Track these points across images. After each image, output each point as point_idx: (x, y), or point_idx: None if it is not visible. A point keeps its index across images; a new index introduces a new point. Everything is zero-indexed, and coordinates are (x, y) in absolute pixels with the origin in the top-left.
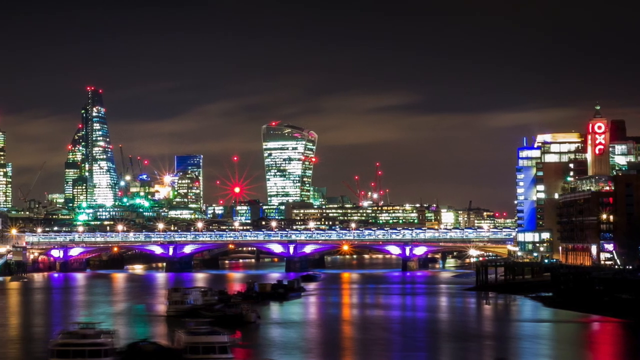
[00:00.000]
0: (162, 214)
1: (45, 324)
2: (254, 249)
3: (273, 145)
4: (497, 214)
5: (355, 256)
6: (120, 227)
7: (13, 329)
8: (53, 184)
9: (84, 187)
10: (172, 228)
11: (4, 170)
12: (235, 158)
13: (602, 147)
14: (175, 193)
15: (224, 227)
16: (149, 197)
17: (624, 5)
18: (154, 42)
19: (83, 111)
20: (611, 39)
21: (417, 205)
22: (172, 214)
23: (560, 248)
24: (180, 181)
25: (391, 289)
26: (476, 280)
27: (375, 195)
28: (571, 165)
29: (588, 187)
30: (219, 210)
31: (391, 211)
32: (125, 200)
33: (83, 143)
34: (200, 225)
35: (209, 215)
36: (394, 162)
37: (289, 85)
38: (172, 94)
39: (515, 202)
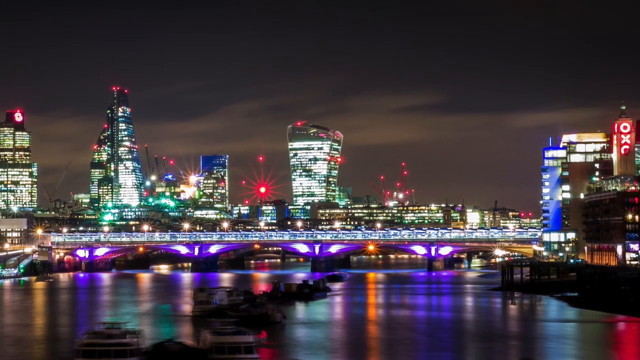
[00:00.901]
0: (188, 214)
1: (70, 324)
2: (280, 249)
3: (299, 145)
4: (522, 214)
5: (380, 256)
6: (145, 227)
7: (39, 328)
8: (78, 184)
9: (109, 187)
10: (198, 228)
11: (30, 170)
12: (261, 158)
13: (627, 147)
14: (201, 193)
15: (249, 227)
16: (175, 197)
17: None
18: (180, 42)
19: (108, 111)
20: (637, 39)
21: (443, 205)
22: (198, 214)
23: (585, 248)
24: (205, 181)
25: (417, 289)
26: (502, 280)
27: (400, 195)
28: (597, 165)
29: (613, 187)
30: (244, 210)
31: (417, 211)
32: (150, 200)
33: (108, 143)
34: (225, 225)
35: (234, 215)
36: (420, 162)
37: (315, 85)
38: (198, 93)
39: (541, 202)
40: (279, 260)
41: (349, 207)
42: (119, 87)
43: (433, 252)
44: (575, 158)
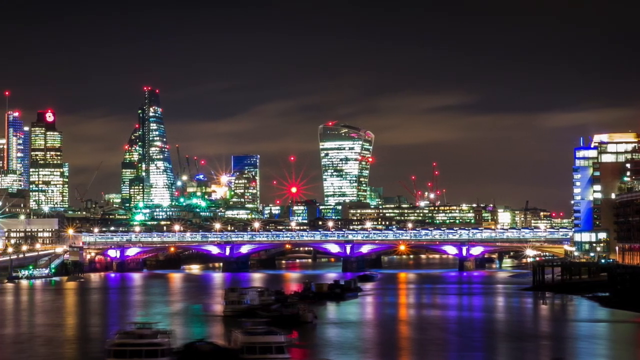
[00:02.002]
0: (219, 214)
1: (102, 324)
2: (311, 249)
3: (330, 145)
4: (553, 214)
5: (412, 256)
6: (177, 227)
7: (70, 328)
8: (110, 184)
9: (140, 187)
10: (229, 228)
11: (61, 170)
12: (292, 158)
13: None
14: (232, 193)
15: (280, 227)
16: (206, 197)
17: None
18: (211, 42)
19: (140, 111)
20: None
21: (474, 205)
22: (229, 214)
23: (617, 248)
24: (237, 181)
25: (448, 289)
26: (533, 280)
27: (432, 195)
28: (628, 165)
29: None
30: (275, 210)
31: (448, 211)
32: (182, 200)
33: (140, 143)
34: (257, 225)
35: (265, 215)
36: (451, 162)
37: (346, 85)
38: (229, 93)
39: (572, 202)
40: (310, 260)
41: (380, 207)
42: (150, 87)
43: (464, 252)
44: (606, 158)
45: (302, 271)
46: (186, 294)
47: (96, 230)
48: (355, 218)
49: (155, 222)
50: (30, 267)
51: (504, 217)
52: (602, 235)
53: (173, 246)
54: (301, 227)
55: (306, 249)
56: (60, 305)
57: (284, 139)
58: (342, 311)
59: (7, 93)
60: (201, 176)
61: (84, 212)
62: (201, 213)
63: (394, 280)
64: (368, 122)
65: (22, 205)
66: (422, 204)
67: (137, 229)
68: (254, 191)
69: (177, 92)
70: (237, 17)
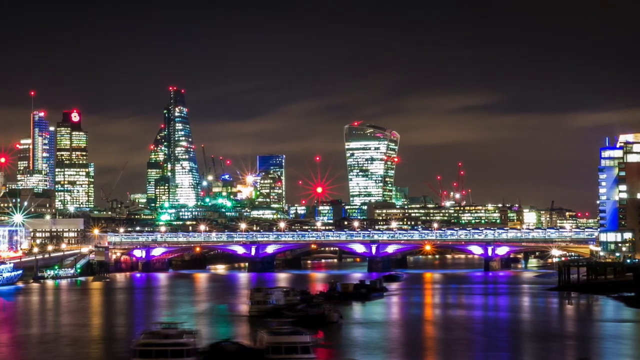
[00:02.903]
0: (245, 214)
1: (127, 324)
2: (337, 249)
3: (355, 145)
4: (579, 214)
5: (437, 256)
6: (202, 227)
7: (96, 329)
8: (135, 184)
9: (166, 187)
10: (255, 228)
11: (87, 170)
12: (318, 158)
13: None
14: (258, 193)
15: (306, 227)
16: (232, 197)
17: None
18: (237, 42)
19: (165, 111)
20: None
21: (500, 205)
22: (255, 214)
23: None
24: (262, 181)
25: (473, 289)
26: (558, 280)
27: (457, 195)
28: None
29: None
30: (301, 210)
31: (473, 211)
32: (207, 200)
33: (165, 143)
34: (282, 225)
35: (291, 215)
36: (476, 162)
37: (372, 86)
38: (255, 93)
39: (598, 202)
40: (335, 260)
41: (406, 207)
42: (175, 87)
43: (490, 252)
44: (632, 158)
45: (328, 271)
46: (212, 294)
47: (122, 230)
48: (380, 218)
49: (180, 222)
50: (56, 267)
51: (530, 217)
52: (628, 235)
53: (199, 246)
54: (327, 227)
55: (332, 249)
56: (85, 305)
57: (310, 139)
58: (367, 311)
59: (32, 93)
60: (227, 176)
61: (110, 212)
62: (227, 213)
63: (419, 280)
64: (393, 122)
65: (47, 205)
66: (447, 204)
67: (163, 229)
68: (280, 191)
69: (203, 92)
70: (264, 17)
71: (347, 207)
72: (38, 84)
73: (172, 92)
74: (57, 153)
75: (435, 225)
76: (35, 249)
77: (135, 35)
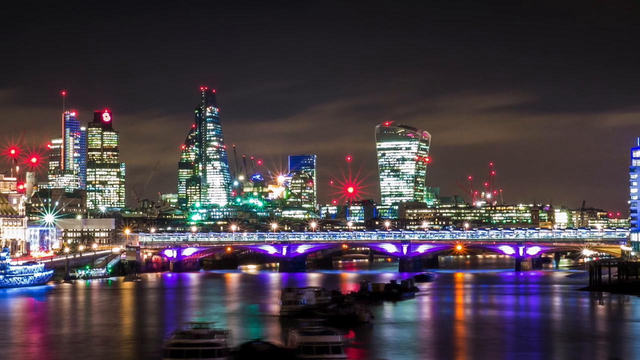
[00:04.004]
0: (276, 214)
1: (158, 324)
2: (368, 249)
3: (386, 145)
4: (610, 214)
5: (468, 256)
6: (233, 227)
7: (127, 328)
8: (166, 184)
9: (197, 187)
10: (286, 228)
11: (118, 170)
12: (349, 158)
13: None
14: (289, 193)
15: (337, 227)
16: (263, 197)
17: None
18: (268, 42)
19: (196, 111)
20: None
21: (531, 205)
22: (286, 214)
23: None
24: (293, 181)
25: (504, 289)
26: (589, 280)
27: (488, 195)
28: None
29: None
30: (332, 210)
31: (504, 211)
32: (238, 200)
33: (196, 143)
34: (313, 225)
35: (322, 215)
36: (508, 162)
37: (403, 85)
38: (286, 93)
39: (629, 202)
40: (366, 260)
41: (437, 207)
42: (207, 87)
43: (521, 252)
44: None
45: (359, 271)
46: (243, 294)
47: (153, 230)
48: (412, 218)
49: (212, 222)
50: (87, 267)
51: (561, 217)
52: None
53: (230, 246)
54: (358, 227)
55: (363, 249)
56: (117, 305)
57: (341, 138)
58: (398, 311)
59: (63, 93)
60: (258, 176)
61: (141, 212)
62: (258, 213)
63: (450, 280)
64: (424, 122)
65: (78, 205)
66: (478, 204)
67: (194, 229)
68: (311, 191)
69: (234, 92)
70: (294, 17)
71: (378, 207)
72: (69, 84)
73: (203, 92)
74: (89, 153)
75: (467, 225)
76: (67, 249)
77: (167, 35)
